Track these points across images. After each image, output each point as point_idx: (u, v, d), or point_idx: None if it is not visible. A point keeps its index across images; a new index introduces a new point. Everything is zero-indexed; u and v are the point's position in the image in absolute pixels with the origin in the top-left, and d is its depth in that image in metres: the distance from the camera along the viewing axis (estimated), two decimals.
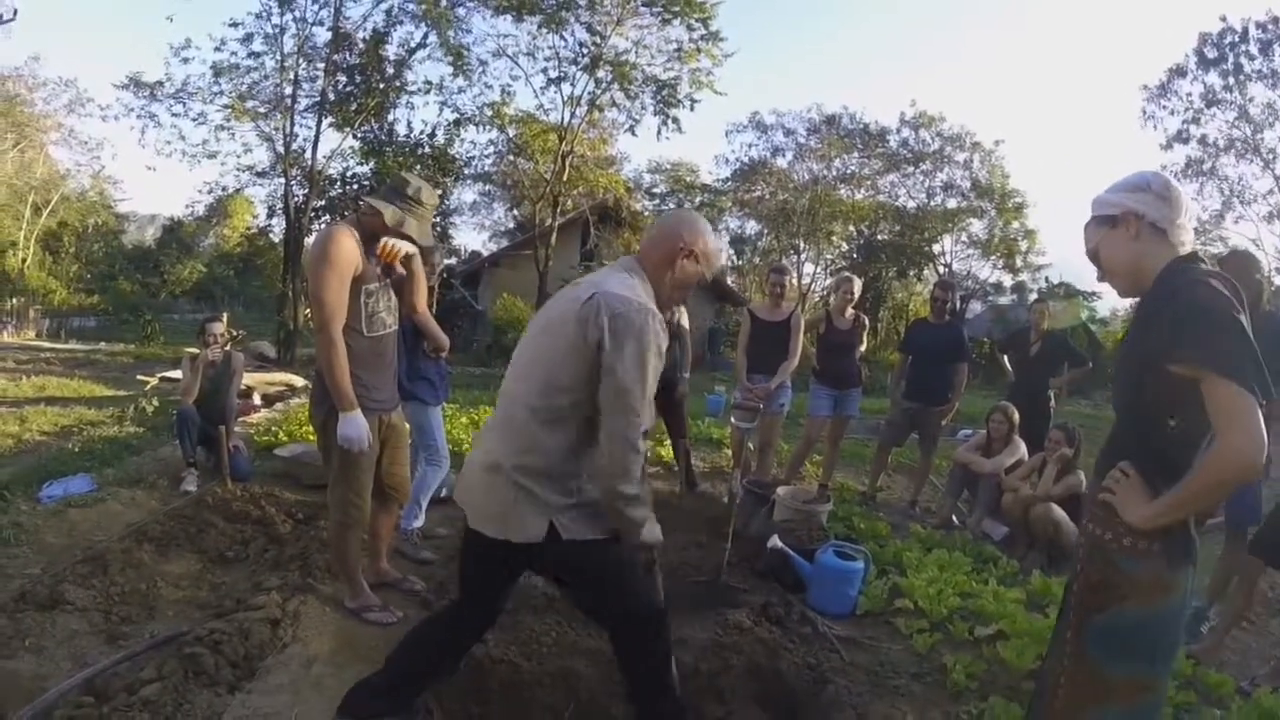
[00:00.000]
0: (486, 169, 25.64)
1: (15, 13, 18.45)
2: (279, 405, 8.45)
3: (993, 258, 32.06)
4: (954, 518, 5.56)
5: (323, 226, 19.30)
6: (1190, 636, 3.66)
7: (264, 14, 16.97)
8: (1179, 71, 24.91)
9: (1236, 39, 23.41)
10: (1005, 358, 6.52)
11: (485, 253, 29.31)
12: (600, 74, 17.95)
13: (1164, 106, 25.47)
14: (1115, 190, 1.74)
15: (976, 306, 31.07)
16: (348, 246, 2.80)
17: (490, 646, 2.77)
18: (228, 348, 5.59)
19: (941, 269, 30.89)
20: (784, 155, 33.14)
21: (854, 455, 7.52)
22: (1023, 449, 5.34)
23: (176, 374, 10.33)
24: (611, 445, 1.87)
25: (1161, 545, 1.59)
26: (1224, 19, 23.59)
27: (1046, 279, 29.24)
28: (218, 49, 17.08)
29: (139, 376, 10.87)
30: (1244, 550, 3.59)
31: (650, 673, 2.12)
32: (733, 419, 5.11)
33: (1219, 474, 1.48)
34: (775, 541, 3.87)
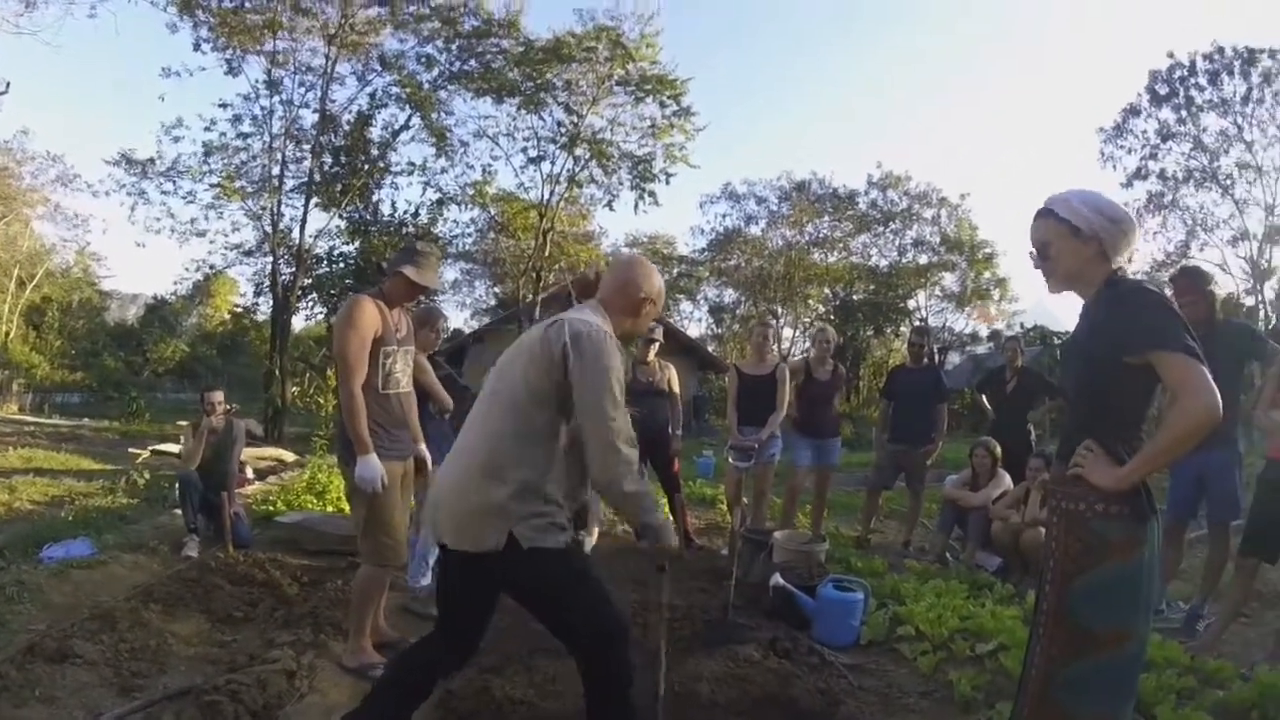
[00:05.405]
0: (468, 247, 26.05)
1: (8, 86, 18.81)
2: (271, 478, 8.44)
3: (967, 309, 32.70)
4: (947, 554, 5.64)
5: (310, 304, 19.51)
6: (1187, 635, 3.77)
7: (252, 96, 17.45)
8: (1133, 110, 25.95)
9: (1185, 73, 24.47)
10: (984, 397, 6.67)
11: (467, 330, 29.42)
12: (578, 152, 18.49)
13: (1121, 146, 26.40)
14: (1091, 206, 1.89)
15: (955, 358, 31.53)
16: (370, 312, 3.09)
17: (509, 687, 2.82)
18: (228, 415, 5.64)
19: (917, 323, 31.50)
20: (757, 223, 33.99)
21: (844, 506, 7.60)
22: (1007, 480, 5.48)
23: (167, 447, 10.32)
24: (593, 451, 2.01)
25: (1130, 507, 1.79)
26: (1171, 55, 24.72)
27: (1021, 324, 29.82)
28: (207, 129, 17.44)
29: (130, 450, 10.80)
30: (1227, 545, 3.82)
31: (616, 695, 2.12)
32: (730, 459, 5.23)
33: (1184, 429, 1.71)
34: (777, 579, 3.95)
